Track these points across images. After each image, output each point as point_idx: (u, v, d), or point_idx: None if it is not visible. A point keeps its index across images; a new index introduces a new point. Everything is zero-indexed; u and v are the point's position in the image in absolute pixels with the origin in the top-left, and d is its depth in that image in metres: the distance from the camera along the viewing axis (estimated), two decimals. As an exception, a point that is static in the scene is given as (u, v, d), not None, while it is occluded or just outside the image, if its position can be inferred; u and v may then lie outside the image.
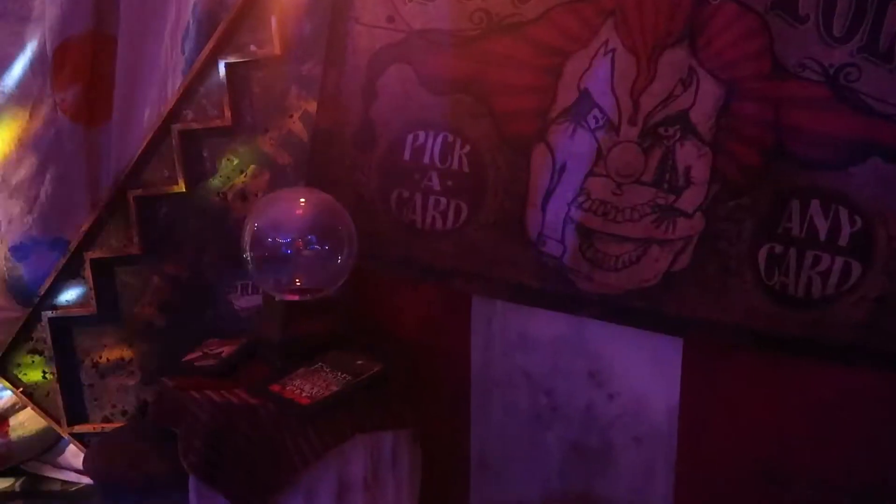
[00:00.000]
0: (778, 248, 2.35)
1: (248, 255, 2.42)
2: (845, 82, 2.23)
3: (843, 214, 2.30)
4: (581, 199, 2.43)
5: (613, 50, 2.34)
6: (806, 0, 2.23)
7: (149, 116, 2.69)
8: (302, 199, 2.51)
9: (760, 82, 2.29)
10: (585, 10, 2.33)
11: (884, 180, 2.28)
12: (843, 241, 2.32)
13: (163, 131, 2.60)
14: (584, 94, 2.38)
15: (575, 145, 2.41)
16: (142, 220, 2.64)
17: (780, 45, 2.26)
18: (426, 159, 2.49)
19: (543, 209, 2.45)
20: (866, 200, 2.30)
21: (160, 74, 2.65)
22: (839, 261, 2.32)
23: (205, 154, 2.61)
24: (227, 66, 2.53)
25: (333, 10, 2.46)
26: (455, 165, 2.49)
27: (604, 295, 2.45)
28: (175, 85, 2.61)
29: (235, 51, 2.54)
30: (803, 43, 2.24)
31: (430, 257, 2.52)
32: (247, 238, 2.42)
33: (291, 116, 2.56)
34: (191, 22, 2.57)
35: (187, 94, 2.55)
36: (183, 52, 2.59)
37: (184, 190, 2.61)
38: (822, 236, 2.32)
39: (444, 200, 2.50)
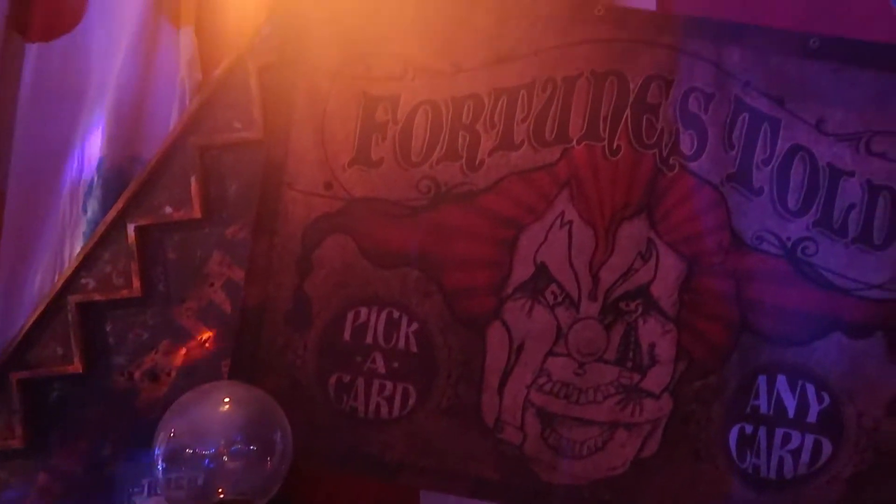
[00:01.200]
0: (748, 428, 2.20)
1: (159, 466, 2.03)
2: (803, 256, 2.20)
3: (811, 390, 2.21)
4: (541, 380, 2.23)
5: (570, 222, 2.22)
6: (760, 173, 2.22)
7: (40, 285, 2.34)
8: (226, 399, 2.16)
9: (721, 256, 2.23)
10: (540, 180, 2.24)
11: (848, 356, 2.21)
12: (811, 417, 2.20)
13: (57, 303, 2.24)
14: (541, 269, 2.24)
15: (533, 323, 2.24)
16: (27, 407, 2.21)
17: (737, 217, 2.23)
18: (369, 339, 2.25)
19: (500, 393, 2.24)
20: (833, 376, 2.21)
21: (56, 236, 2.31)
22: (809, 438, 2.19)
23: (108, 328, 2.26)
24: (137, 229, 2.24)
25: (264, 172, 2.25)
26: (402, 345, 2.25)
27: (569, 486, 2.21)
28: (74, 249, 2.31)
29: (148, 212, 2.27)
30: (760, 216, 2.22)
31: (376, 450, 2.21)
32: (160, 448, 2.04)
33: (213, 285, 2.27)
34: (95, 178, 2.29)
35: (88, 261, 2.25)
36: (85, 212, 2.28)
37: (80, 370, 2.23)
38: (791, 413, 2.19)
39: (389, 384, 2.24)
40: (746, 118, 2.22)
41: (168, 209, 2.28)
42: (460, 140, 2.26)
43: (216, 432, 2.09)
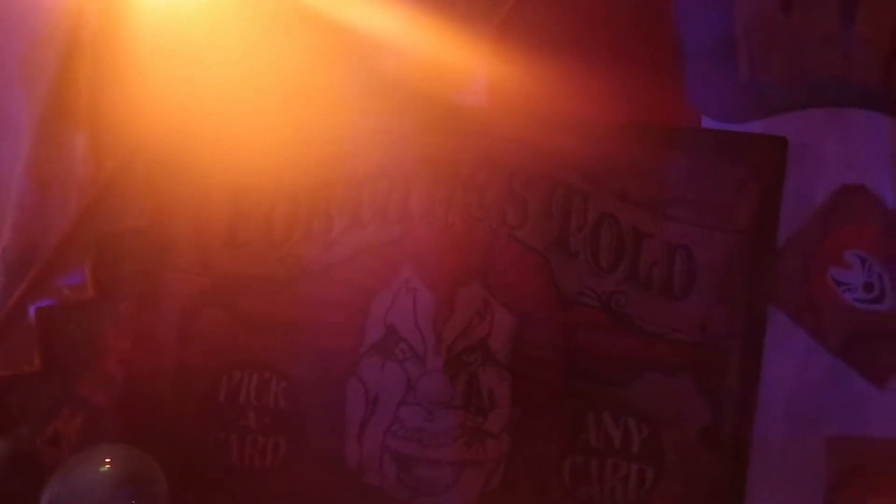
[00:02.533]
0: (580, 460, 2.50)
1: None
2: (617, 307, 2.54)
3: (632, 424, 2.51)
4: (395, 427, 2.51)
5: (415, 288, 2.54)
6: (575, 238, 2.57)
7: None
8: (107, 459, 2.40)
9: (548, 310, 2.55)
10: (387, 253, 2.57)
11: (662, 391, 2.53)
12: (634, 448, 2.50)
13: (-34, 379, 2.49)
14: (391, 330, 2.55)
15: (385, 378, 2.54)
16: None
17: (560, 276, 2.55)
18: (242, 398, 2.51)
19: (360, 441, 2.51)
20: (650, 410, 2.52)
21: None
22: (634, 467, 2.48)
23: (12, 401, 2.48)
24: (38, 310, 2.50)
25: (149, 255, 2.54)
26: (272, 403, 2.51)
27: (426, 520, 2.48)
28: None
29: (48, 294, 2.53)
30: (579, 274, 2.55)
31: (252, 499, 2.46)
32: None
33: (107, 358, 2.53)
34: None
35: (-6, 340, 2.50)
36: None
37: (-11, 440, 2.46)
38: (617, 444, 2.50)
39: (261, 439, 2.50)
40: (561, 192, 2.57)
41: (66, 291, 2.54)
42: (317, 222, 2.57)
43: (97, 491, 2.29)
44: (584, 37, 2.66)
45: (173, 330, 2.57)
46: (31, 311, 2.55)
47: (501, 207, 2.59)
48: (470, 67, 2.69)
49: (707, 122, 2.68)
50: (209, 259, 2.59)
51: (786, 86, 2.66)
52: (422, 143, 2.62)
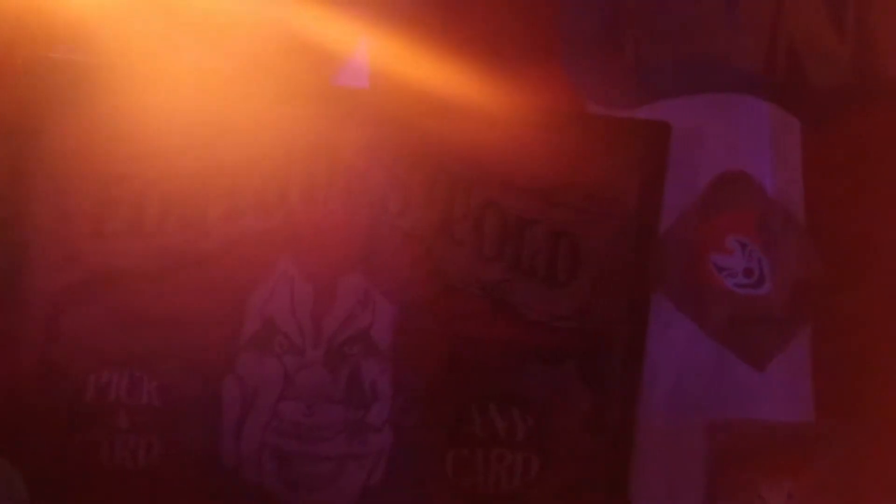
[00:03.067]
0: (464, 451, 2.45)
1: None
2: (501, 296, 2.50)
3: (517, 413, 2.47)
4: (274, 423, 2.43)
5: (293, 278, 2.45)
6: (460, 225, 2.50)
7: None
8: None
9: (431, 300, 2.49)
10: (265, 242, 2.47)
11: (547, 379, 2.50)
12: (519, 437, 2.47)
13: None
14: (269, 322, 2.46)
15: (263, 372, 2.46)
16: None
17: (445, 265, 2.50)
18: (112, 397, 2.39)
19: (238, 437, 2.42)
20: (535, 398, 2.49)
21: None
22: (520, 456, 2.45)
23: None
24: None
25: (5, 250, 2.39)
26: (144, 401, 2.40)
27: (307, 517, 2.41)
28: None
29: None
30: (464, 263, 2.50)
31: (124, 501, 2.36)
32: None
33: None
34: None
35: None
36: None
37: None
38: (502, 433, 2.46)
39: (133, 439, 2.39)
40: (445, 178, 2.50)
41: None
42: (191, 211, 2.45)
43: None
44: (465, 17, 2.59)
45: (38, 328, 2.42)
46: None
47: (383, 194, 2.51)
48: (350, 49, 2.60)
49: (592, 108, 2.64)
50: (75, 252, 2.44)
51: (671, 71, 2.64)
52: (301, 127, 2.52)
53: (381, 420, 2.49)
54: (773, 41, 2.61)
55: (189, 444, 2.46)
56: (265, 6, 2.55)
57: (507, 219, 2.53)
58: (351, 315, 2.50)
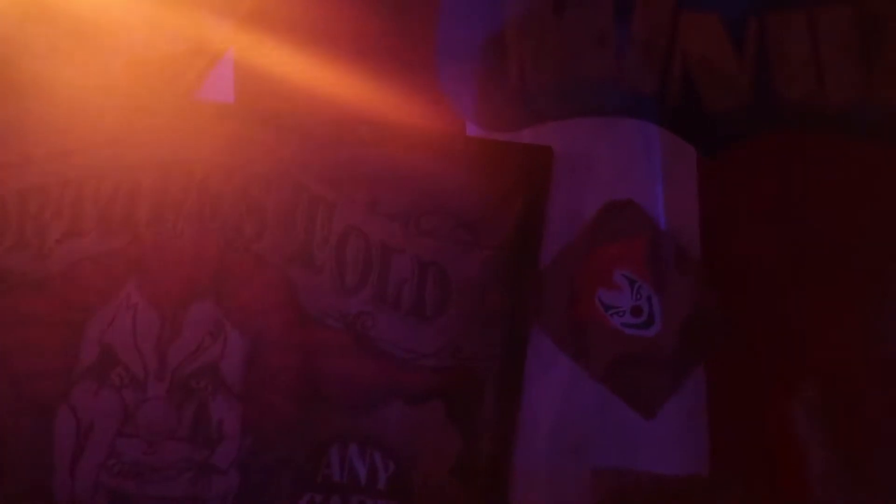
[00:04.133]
0: (318, 498, 2.27)
1: None
2: (362, 329, 2.31)
3: (378, 458, 2.28)
4: (111, 461, 2.26)
5: (136, 304, 2.28)
6: (320, 251, 2.32)
7: None
8: None
9: (287, 332, 2.32)
10: (110, 264, 2.31)
11: (409, 423, 2.30)
12: (381, 484, 2.28)
13: None
14: (107, 351, 2.29)
15: (100, 405, 2.28)
16: None
17: (303, 294, 2.32)
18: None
19: (72, 475, 2.24)
20: (397, 443, 2.30)
21: None
22: (381, 503, 2.26)
23: None
24: None
25: None
26: (-31, 432, 2.23)
27: (141, 564, 2.22)
28: None
29: None
30: (323, 292, 2.33)
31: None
32: None
33: None
34: None
35: None
36: None
37: None
38: (363, 480, 2.27)
39: (-48, 473, 2.21)
40: (305, 200, 2.33)
41: None
42: (29, 229, 2.28)
43: None
44: (337, 28, 2.42)
45: None
46: None
47: (237, 215, 2.34)
48: (215, 60, 2.43)
49: (472, 130, 2.46)
50: None
51: (556, 92, 2.45)
52: (155, 142, 2.35)
53: (228, 461, 2.30)
54: (666, 63, 2.42)
55: (19, 480, 2.27)
56: (122, 15, 2.39)
57: (372, 246, 2.35)
58: (199, 346, 2.31)
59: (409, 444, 2.35)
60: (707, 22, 2.42)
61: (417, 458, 2.34)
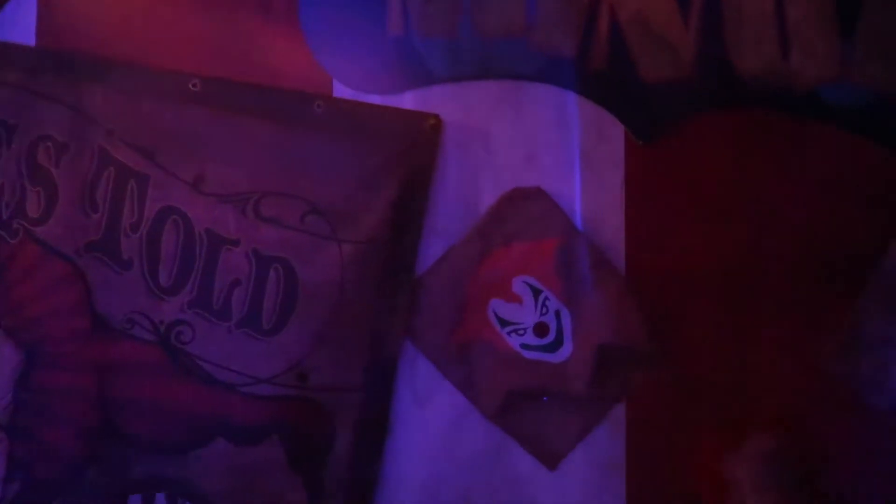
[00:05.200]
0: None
1: None
2: (178, 343, 1.75)
3: (192, 510, 1.72)
4: None
5: None
6: (129, 241, 1.75)
7: None
8: None
9: (77, 343, 1.76)
10: None
11: (236, 469, 1.74)
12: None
13: None
14: None
15: None
16: None
17: (100, 295, 1.75)
18: None
19: None
20: (218, 495, 1.73)
21: None
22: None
23: None
24: None
25: None
26: None
27: None
28: None
29: None
30: (128, 294, 1.76)
31: None
32: None
33: None
34: None
35: None
36: None
37: None
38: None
39: None
40: (112, 174, 1.75)
41: None
42: None
43: None
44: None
45: None
46: None
47: (19, 193, 1.75)
48: None
49: (340, 91, 1.90)
50: None
51: (447, 48, 1.90)
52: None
53: (-12, 510, 1.72)
54: (590, 19, 1.88)
55: None
56: None
57: (195, 235, 1.79)
58: (-43, 360, 1.74)
59: (234, 495, 1.78)
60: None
61: (246, 515, 1.78)
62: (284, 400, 1.79)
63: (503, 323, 1.89)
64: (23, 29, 1.91)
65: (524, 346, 1.88)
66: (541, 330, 1.88)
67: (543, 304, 1.88)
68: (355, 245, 1.81)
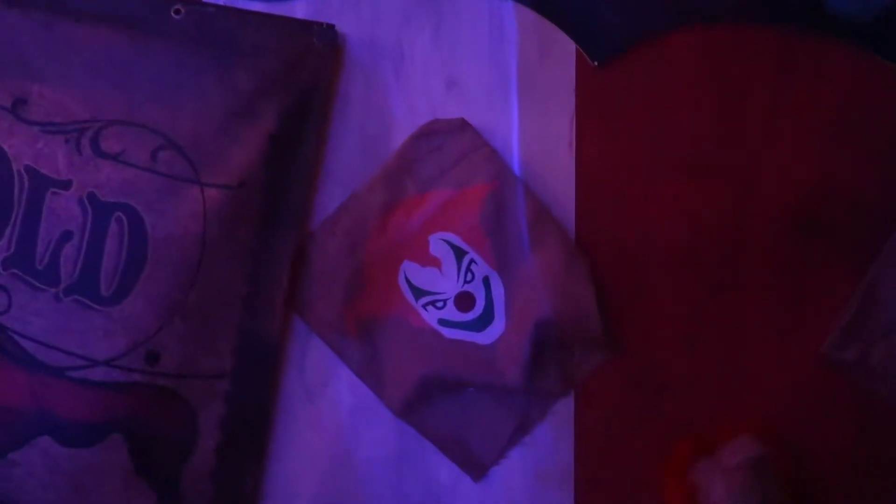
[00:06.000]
0: None
1: None
2: (-9, 314, 1.33)
3: (-2, 536, 1.32)
4: None
5: None
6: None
7: None
8: None
9: None
10: None
11: (61, 474, 1.33)
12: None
13: None
14: None
15: None
16: None
17: None
18: None
19: None
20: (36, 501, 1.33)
21: None
22: None
23: None
24: None
25: None
26: None
27: None
28: None
29: None
30: (-76, 252, 1.35)
31: None
32: None
33: None
34: None
35: None
36: None
37: None
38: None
39: None
40: None
41: None
42: None
43: None
44: None
45: None
46: None
47: None
48: None
49: (216, -3, 1.49)
50: None
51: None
52: None
53: None
54: None
55: None
56: None
57: (13, 174, 1.38)
58: None
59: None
60: None
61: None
62: (129, 388, 1.38)
63: (417, 293, 1.48)
64: None
65: (443, 323, 1.48)
66: (465, 302, 1.48)
67: (468, 269, 1.47)
68: (222, 190, 1.40)
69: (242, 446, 1.44)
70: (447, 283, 1.47)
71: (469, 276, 1.47)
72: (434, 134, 1.48)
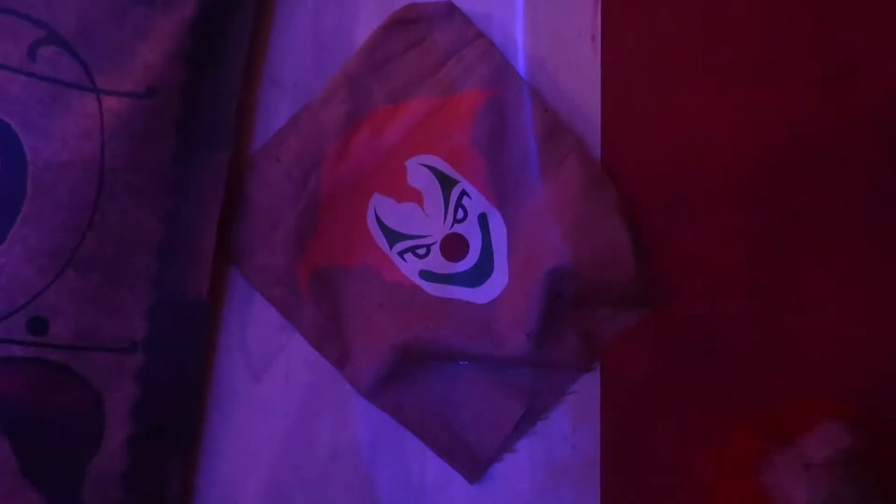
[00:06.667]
0: None
1: None
2: None
3: None
4: None
5: None
6: None
7: None
8: None
9: None
10: None
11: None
12: None
13: None
14: None
15: None
16: None
17: None
18: None
19: None
20: None
21: None
22: None
23: None
24: None
25: None
26: None
27: None
28: None
29: None
30: None
31: None
32: None
33: None
34: None
35: None
36: None
37: None
38: None
39: None
40: None
41: None
42: None
43: None
44: None
45: None
46: None
47: None
48: None
49: None
50: None
51: None
52: None
53: None
54: None
55: None
56: None
57: None
58: None
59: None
60: None
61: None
62: (8, 366, 1.03)
63: (391, 236, 1.12)
64: None
65: (426, 276, 1.12)
66: (454, 248, 1.12)
67: (459, 205, 1.11)
68: (126, 99, 1.04)
69: (164, 439, 1.10)
70: (431, 223, 1.11)
71: (460, 214, 1.11)
72: (411, 23, 1.11)
